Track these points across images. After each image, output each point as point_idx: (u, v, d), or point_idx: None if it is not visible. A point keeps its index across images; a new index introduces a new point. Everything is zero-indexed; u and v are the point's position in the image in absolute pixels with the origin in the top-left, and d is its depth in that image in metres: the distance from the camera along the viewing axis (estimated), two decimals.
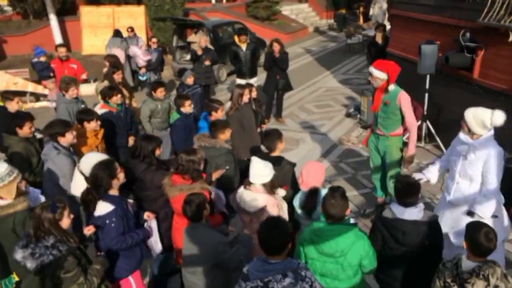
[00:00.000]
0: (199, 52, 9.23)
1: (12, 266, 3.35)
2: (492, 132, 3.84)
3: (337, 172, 7.11)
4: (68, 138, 4.60)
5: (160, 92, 6.50)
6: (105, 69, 7.90)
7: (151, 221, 4.01)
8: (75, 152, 4.75)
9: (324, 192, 3.53)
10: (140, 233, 3.74)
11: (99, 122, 5.20)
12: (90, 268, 3.18)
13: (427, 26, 8.10)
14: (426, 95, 7.48)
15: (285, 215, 3.85)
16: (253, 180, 3.79)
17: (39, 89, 10.66)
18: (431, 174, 4.35)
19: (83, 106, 6.15)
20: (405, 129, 5.30)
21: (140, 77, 11.14)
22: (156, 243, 4.06)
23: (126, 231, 3.59)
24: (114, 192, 3.61)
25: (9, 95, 5.91)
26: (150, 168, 4.20)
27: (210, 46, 10.12)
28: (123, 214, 3.57)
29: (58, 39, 14.62)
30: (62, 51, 8.92)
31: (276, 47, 8.58)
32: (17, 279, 3.37)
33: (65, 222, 3.14)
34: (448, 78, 7.50)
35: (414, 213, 3.24)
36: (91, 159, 3.86)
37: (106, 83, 7.03)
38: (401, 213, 3.25)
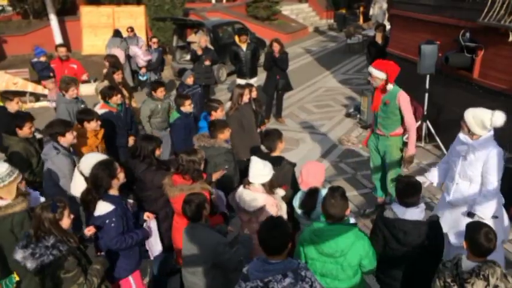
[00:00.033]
0: (199, 52, 9.24)
1: (12, 266, 3.35)
2: (492, 132, 3.83)
3: (337, 172, 7.11)
4: (68, 138, 4.60)
5: (160, 92, 6.50)
6: (105, 70, 7.90)
7: (150, 222, 4.01)
8: (75, 152, 4.76)
9: (323, 192, 3.53)
10: (140, 233, 3.74)
11: (99, 122, 5.20)
12: (90, 268, 3.19)
13: (427, 26, 8.10)
14: (426, 95, 7.48)
15: (284, 215, 3.85)
16: (253, 180, 3.79)
17: (39, 89, 10.66)
18: (433, 177, 4.36)
19: (82, 106, 6.15)
20: (405, 130, 5.30)
21: (140, 77, 11.14)
22: (156, 244, 4.06)
23: (126, 231, 3.59)
24: (114, 192, 3.62)
25: (9, 95, 5.91)
26: (150, 169, 4.20)
27: (210, 46, 10.12)
28: (123, 214, 3.57)
29: (58, 39, 14.62)
30: (62, 51, 8.92)
31: (276, 47, 8.58)
32: (17, 278, 3.37)
33: (65, 222, 3.14)
34: (448, 78, 7.50)
35: (416, 214, 3.24)
36: (91, 159, 3.86)
37: (106, 83, 7.03)
38: (402, 214, 3.25)
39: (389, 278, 3.40)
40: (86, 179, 3.79)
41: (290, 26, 20.80)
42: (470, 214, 3.86)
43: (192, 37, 13.00)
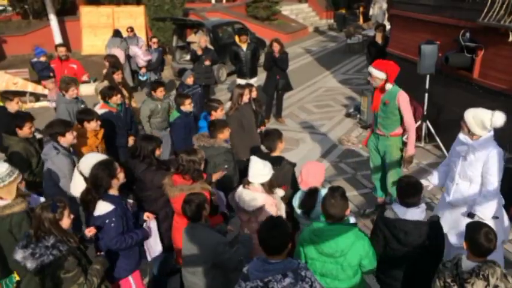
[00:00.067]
0: (199, 52, 9.24)
1: (12, 266, 3.35)
2: (492, 133, 3.83)
3: (337, 172, 7.11)
4: (68, 139, 4.60)
5: (160, 92, 6.50)
6: (104, 70, 7.90)
7: (150, 222, 4.01)
8: (75, 152, 4.75)
9: (323, 192, 3.53)
10: (140, 233, 3.74)
11: (99, 122, 5.20)
12: (90, 268, 3.18)
13: (427, 26, 8.10)
14: (426, 95, 7.48)
15: (283, 215, 3.85)
16: (252, 180, 3.80)
17: (38, 89, 10.66)
18: (434, 180, 4.37)
19: (82, 106, 6.15)
20: (404, 130, 5.30)
21: (140, 77, 11.14)
22: (155, 244, 4.06)
23: (126, 232, 3.59)
24: (113, 192, 3.61)
25: (9, 95, 5.90)
26: (150, 169, 4.20)
27: (210, 46, 10.12)
28: (122, 214, 3.57)
29: (58, 39, 14.62)
30: (62, 50, 8.92)
31: (276, 47, 8.58)
32: (17, 278, 3.37)
33: (65, 222, 3.14)
34: (448, 78, 7.50)
35: (416, 214, 3.24)
36: (90, 159, 3.86)
37: (106, 83, 7.03)
38: (403, 214, 3.24)
39: (389, 278, 3.40)
40: (86, 179, 3.79)
41: (290, 26, 20.80)
42: (470, 215, 3.85)
43: (191, 37, 13.00)
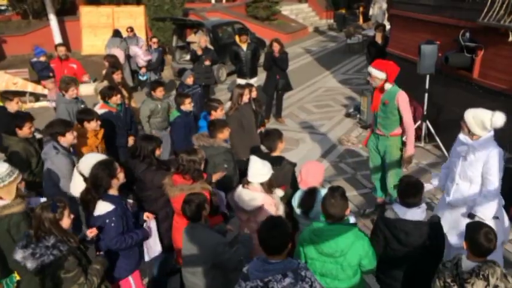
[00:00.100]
0: (199, 52, 9.24)
1: (12, 266, 3.34)
2: (492, 133, 3.83)
3: (336, 172, 7.11)
4: (69, 138, 4.60)
5: (159, 92, 6.51)
6: (104, 70, 7.90)
7: (150, 222, 4.01)
8: (75, 152, 4.75)
9: (323, 192, 3.53)
10: (140, 233, 3.74)
11: (99, 122, 5.20)
12: (90, 268, 3.18)
13: (427, 26, 8.10)
14: (426, 95, 7.48)
15: (282, 215, 3.85)
16: (252, 179, 3.80)
17: (38, 89, 10.65)
18: (437, 182, 4.38)
19: (82, 106, 6.15)
20: (404, 130, 5.30)
21: (140, 77, 11.14)
22: (155, 244, 4.05)
23: (126, 231, 3.59)
24: (113, 192, 3.61)
25: (8, 95, 5.90)
26: (150, 169, 4.20)
27: (209, 46, 10.12)
28: (122, 214, 3.57)
29: (58, 39, 14.61)
30: (62, 50, 8.92)
31: (276, 47, 8.59)
32: (18, 278, 3.37)
33: (65, 222, 3.14)
34: (448, 78, 7.50)
35: (417, 214, 3.23)
36: (90, 159, 3.85)
37: (105, 83, 7.03)
38: (403, 214, 3.24)
39: (390, 278, 3.40)
40: (85, 179, 3.79)
41: (290, 26, 20.80)
42: (470, 215, 3.85)
43: (191, 37, 13.01)
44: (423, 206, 3.29)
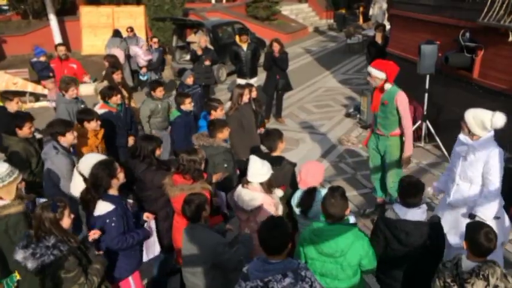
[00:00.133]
0: (199, 52, 9.24)
1: (12, 266, 3.34)
2: (492, 133, 3.83)
3: (336, 172, 7.11)
4: (69, 138, 4.59)
5: (159, 92, 6.51)
6: (104, 70, 7.91)
7: (150, 222, 4.00)
8: (76, 152, 4.75)
9: (323, 192, 3.53)
10: (141, 233, 3.74)
11: (99, 122, 5.20)
12: (90, 268, 3.18)
13: (427, 26, 8.11)
14: (426, 95, 7.48)
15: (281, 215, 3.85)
16: (251, 179, 3.80)
17: (38, 89, 10.65)
18: (439, 184, 4.38)
19: (82, 106, 6.15)
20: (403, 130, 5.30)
21: (141, 77, 11.14)
22: (154, 244, 4.05)
23: (127, 231, 3.59)
24: (113, 192, 3.61)
25: (8, 95, 5.90)
26: (150, 169, 4.20)
27: (209, 46, 10.13)
28: (123, 214, 3.57)
29: (58, 39, 14.62)
30: (62, 50, 8.93)
31: (276, 47, 8.59)
32: (18, 277, 3.36)
33: (66, 222, 3.13)
34: (448, 78, 7.50)
35: (417, 214, 3.23)
36: (90, 159, 3.85)
37: (105, 83, 7.03)
38: (404, 214, 3.24)
39: (390, 278, 3.39)
40: (85, 179, 3.79)
41: (290, 26, 20.80)
42: (471, 216, 3.85)
43: (191, 37, 13.01)
44: (424, 206, 3.29)
